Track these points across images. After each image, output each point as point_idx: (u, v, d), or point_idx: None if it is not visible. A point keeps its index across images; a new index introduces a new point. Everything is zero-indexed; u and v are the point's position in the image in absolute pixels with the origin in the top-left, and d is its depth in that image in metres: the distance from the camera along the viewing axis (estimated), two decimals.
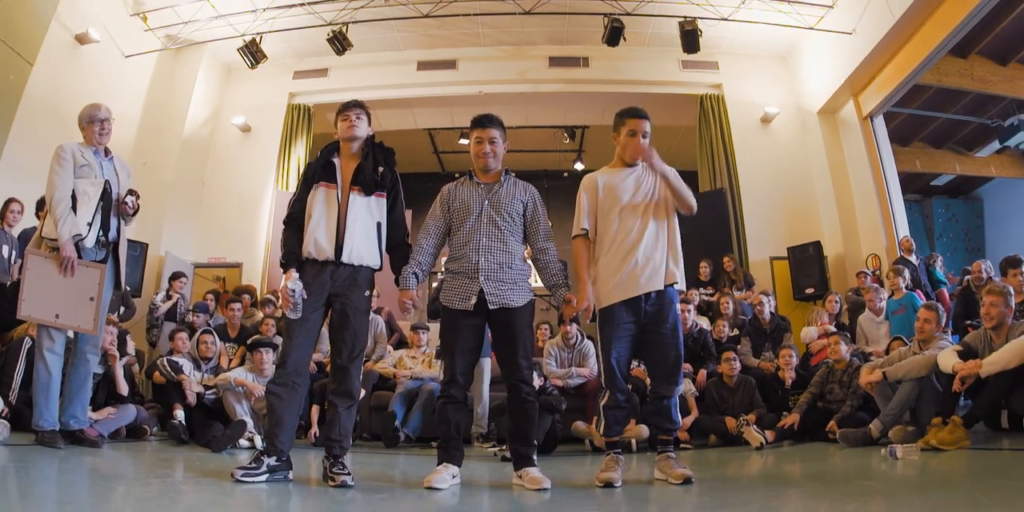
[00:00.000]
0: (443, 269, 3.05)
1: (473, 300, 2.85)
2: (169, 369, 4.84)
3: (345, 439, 2.86)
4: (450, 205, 3.04)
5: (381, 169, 3.00)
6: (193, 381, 4.84)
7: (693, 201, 2.95)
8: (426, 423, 5.21)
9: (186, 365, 4.92)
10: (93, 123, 3.73)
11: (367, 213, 2.97)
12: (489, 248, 2.91)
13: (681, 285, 2.93)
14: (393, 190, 3.08)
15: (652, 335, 2.89)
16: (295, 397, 2.87)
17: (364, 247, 2.94)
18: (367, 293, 2.99)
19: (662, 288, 2.86)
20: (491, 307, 2.85)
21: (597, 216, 3.00)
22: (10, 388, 4.07)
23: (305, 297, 2.81)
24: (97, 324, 3.65)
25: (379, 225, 3.01)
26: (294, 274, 2.88)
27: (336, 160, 3.01)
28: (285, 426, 2.82)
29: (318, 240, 2.90)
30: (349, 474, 2.69)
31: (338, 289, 2.92)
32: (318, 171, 3.00)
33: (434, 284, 4.81)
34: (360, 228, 2.94)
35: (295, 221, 3.00)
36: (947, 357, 3.89)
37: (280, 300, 3.05)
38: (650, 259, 2.87)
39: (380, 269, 3.04)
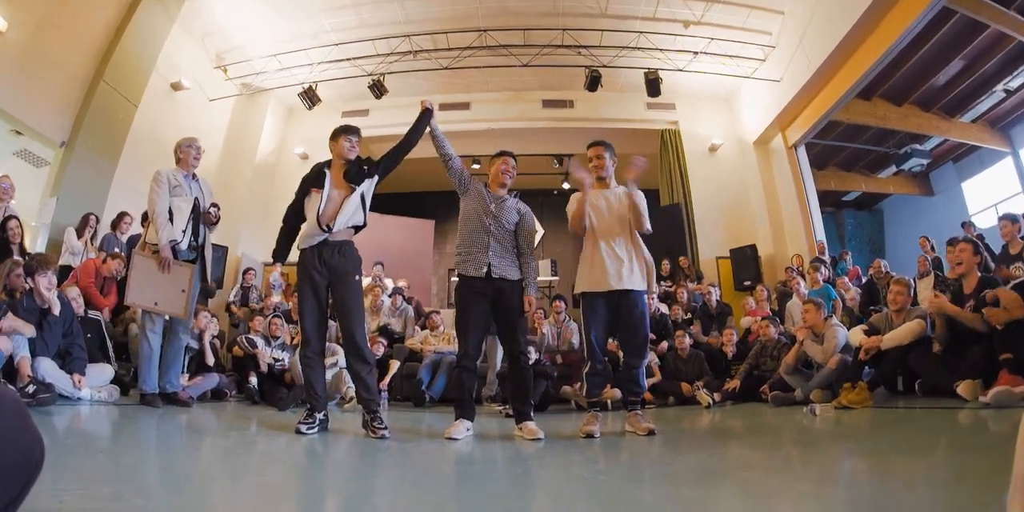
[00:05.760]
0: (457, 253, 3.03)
1: (484, 269, 2.87)
2: (247, 344, 4.84)
3: (377, 395, 2.81)
4: (469, 189, 3.05)
5: (366, 167, 2.92)
6: (266, 353, 4.83)
7: (647, 224, 2.92)
8: (446, 388, 5.21)
9: (259, 341, 4.91)
10: (191, 148, 3.76)
11: (354, 205, 2.86)
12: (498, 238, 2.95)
13: (651, 289, 2.93)
14: (378, 162, 2.97)
15: (625, 320, 2.88)
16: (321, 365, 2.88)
17: (351, 217, 2.85)
18: (356, 271, 2.86)
19: (634, 289, 2.85)
20: (494, 276, 2.87)
21: (589, 225, 3.00)
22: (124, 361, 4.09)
23: (283, 285, 2.89)
24: (187, 310, 3.67)
25: (362, 196, 2.89)
26: (279, 268, 2.98)
27: (327, 171, 2.91)
28: (319, 388, 2.82)
29: (310, 229, 2.85)
30: (386, 428, 2.66)
31: (328, 262, 2.80)
32: (310, 180, 2.91)
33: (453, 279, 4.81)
34: (347, 211, 2.83)
35: (286, 223, 2.97)
36: (856, 334, 3.89)
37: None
38: (622, 263, 2.87)
39: (365, 224, 2.93)
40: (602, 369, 2.90)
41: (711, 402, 4.57)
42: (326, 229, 2.79)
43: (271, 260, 3.00)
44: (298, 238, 2.90)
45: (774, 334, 4.95)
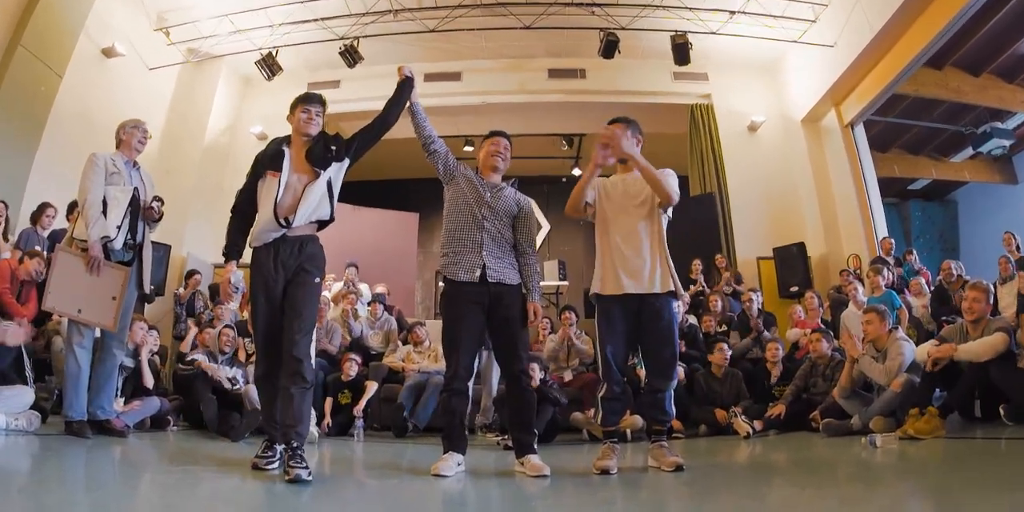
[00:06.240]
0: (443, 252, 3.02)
1: (477, 272, 2.87)
2: (187, 367, 4.84)
3: (304, 425, 2.61)
4: (455, 174, 3.06)
5: (333, 148, 2.86)
6: (216, 368, 4.82)
7: (670, 190, 2.86)
8: (433, 414, 5.20)
9: (199, 357, 4.91)
10: (137, 130, 3.77)
11: (318, 194, 2.81)
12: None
13: (679, 291, 2.91)
14: (349, 141, 2.93)
15: (648, 331, 2.88)
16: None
17: (315, 210, 2.80)
18: (316, 271, 2.80)
19: (657, 292, 2.84)
20: (490, 280, 2.86)
21: (597, 215, 3.03)
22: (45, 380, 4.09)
23: (244, 289, 2.83)
24: (117, 322, 3.66)
25: (329, 184, 2.84)
26: (234, 267, 2.89)
27: (287, 150, 2.85)
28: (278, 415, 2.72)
29: (264, 223, 2.77)
30: (306, 468, 2.40)
31: (287, 263, 2.75)
32: (265, 161, 2.86)
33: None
34: (310, 201, 2.78)
35: (237, 212, 2.90)
36: (925, 351, 3.90)
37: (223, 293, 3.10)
38: (642, 261, 2.87)
39: (332, 219, 2.87)
40: (620, 392, 2.90)
41: (751, 431, 4.56)
42: (284, 223, 2.75)
43: (223, 260, 2.97)
44: (250, 234, 2.85)
45: (827, 350, 4.94)
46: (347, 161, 2.92)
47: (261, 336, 2.78)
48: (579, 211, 3.02)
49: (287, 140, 2.91)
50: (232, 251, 2.89)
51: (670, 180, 2.92)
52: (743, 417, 4.71)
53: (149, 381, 4.64)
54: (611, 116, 3.14)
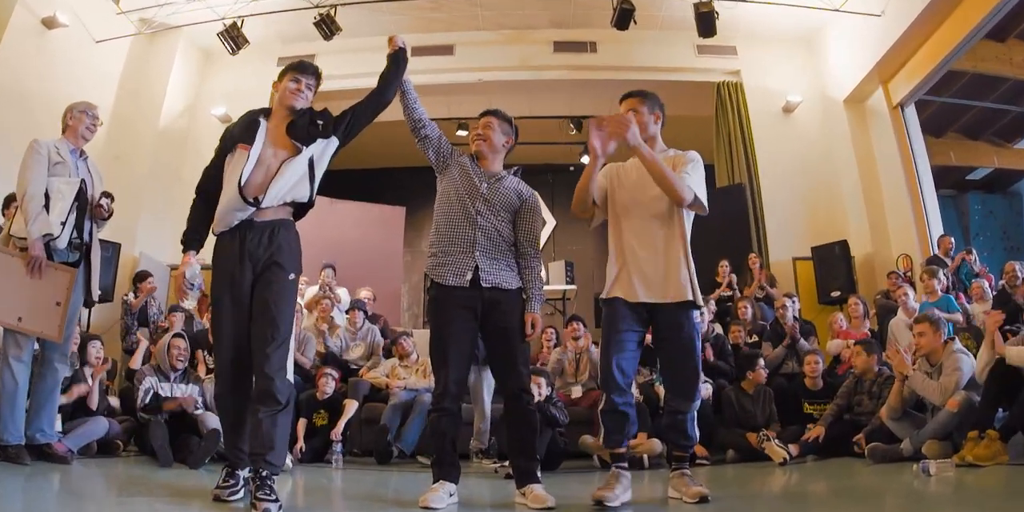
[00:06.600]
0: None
1: (469, 276, 2.86)
2: (148, 414, 4.64)
3: (276, 451, 2.56)
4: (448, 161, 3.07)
5: (320, 122, 2.83)
6: (195, 400, 4.74)
7: (681, 188, 2.77)
8: (421, 437, 5.20)
9: (149, 380, 4.71)
10: (87, 115, 3.77)
11: (297, 172, 2.76)
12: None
13: (698, 301, 2.84)
14: (341, 118, 2.90)
15: (666, 345, 2.87)
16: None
17: (292, 190, 2.75)
18: (290, 265, 2.74)
19: (678, 302, 2.81)
20: (483, 284, 2.85)
21: (608, 207, 3.00)
22: None
23: (201, 285, 2.73)
24: (63, 331, 3.66)
25: (311, 163, 2.79)
26: (192, 258, 2.77)
27: (263, 121, 2.80)
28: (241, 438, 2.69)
29: (228, 202, 2.69)
30: (277, 501, 2.39)
31: (255, 254, 2.68)
32: (236, 132, 2.80)
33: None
34: (287, 178, 2.72)
35: (202, 191, 2.82)
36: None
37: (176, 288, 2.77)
38: (659, 263, 2.84)
39: (311, 204, 2.84)
40: (623, 404, 2.83)
41: (787, 457, 4.55)
42: (252, 202, 2.66)
43: (181, 250, 2.83)
44: (214, 219, 2.74)
45: (874, 364, 4.94)
46: (335, 141, 2.87)
47: (225, 345, 2.68)
48: (586, 210, 2.98)
49: (265, 112, 2.88)
50: (192, 239, 2.80)
51: (691, 171, 2.85)
52: (776, 441, 4.70)
53: (94, 403, 4.61)
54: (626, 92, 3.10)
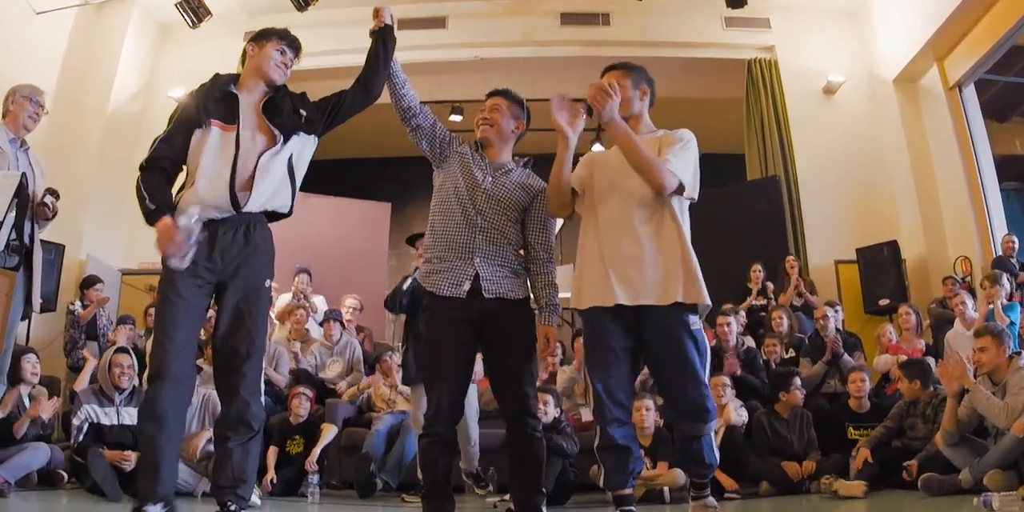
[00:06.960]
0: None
1: (466, 285, 2.84)
2: (84, 441, 4.59)
3: (246, 481, 2.57)
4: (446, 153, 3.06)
5: (303, 113, 2.78)
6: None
7: (661, 172, 2.71)
8: (410, 467, 5.20)
9: (85, 410, 4.67)
10: (30, 101, 3.78)
11: (277, 173, 2.72)
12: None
13: (705, 300, 2.74)
14: (324, 107, 2.88)
15: (658, 358, 2.80)
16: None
17: (273, 195, 2.71)
18: (264, 271, 2.72)
19: (666, 305, 2.69)
20: (485, 294, 2.82)
21: (585, 195, 2.97)
22: None
23: (200, 239, 2.50)
24: (2, 343, 3.66)
25: (290, 161, 2.74)
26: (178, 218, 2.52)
27: (239, 93, 2.73)
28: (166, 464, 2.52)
29: (207, 197, 2.59)
30: None
31: (226, 254, 2.60)
32: (209, 104, 2.69)
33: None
34: (270, 180, 2.68)
35: (157, 167, 2.65)
36: None
37: (163, 246, 2.49)
38: (641, 259, 2.74)
39: (289, 213, 2.81)
40: (623, 436, 2.76)
41: (866, 489, 4.46)
42: (234, 204, 2.59)
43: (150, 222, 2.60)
44: (177, 208, 2.59)
45: (920, 389, 4.93)
46: (314, 140, 2.84)
47: (169, 351, 2.51)
48: (565, 207, 2.94)
49: (236, 80, 2.81)
50: (163, 204, 2.57)
51: (677, 152, 2.79)
52: (838, 479, 4.64)
53: (20, 431, 4.60)
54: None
